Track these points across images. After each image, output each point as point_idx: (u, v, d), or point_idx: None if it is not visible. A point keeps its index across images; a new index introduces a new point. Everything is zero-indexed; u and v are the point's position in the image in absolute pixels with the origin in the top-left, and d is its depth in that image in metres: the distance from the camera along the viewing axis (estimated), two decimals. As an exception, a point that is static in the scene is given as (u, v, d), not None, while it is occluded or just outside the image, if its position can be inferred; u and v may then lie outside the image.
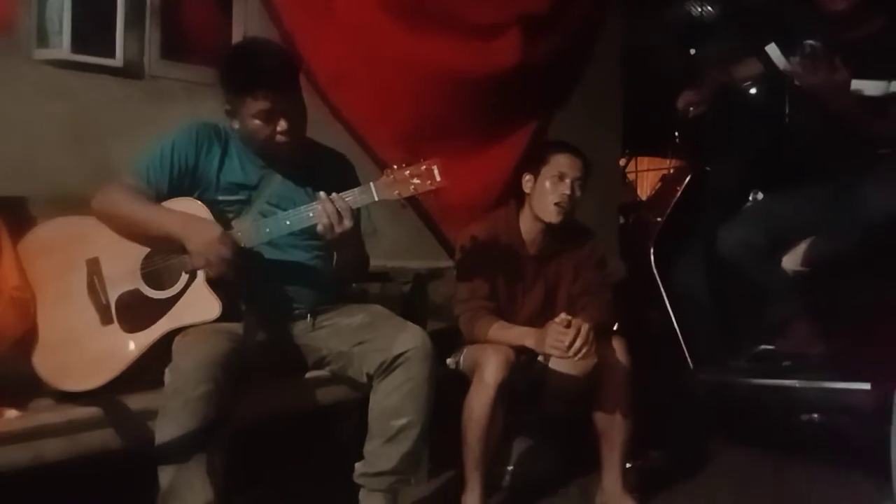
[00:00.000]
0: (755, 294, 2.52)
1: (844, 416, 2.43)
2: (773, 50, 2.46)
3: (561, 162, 2.04)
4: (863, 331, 2.34)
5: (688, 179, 2.85)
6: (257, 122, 1.70)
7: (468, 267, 2.07)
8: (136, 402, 1.56)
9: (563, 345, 1.81)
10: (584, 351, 1.81)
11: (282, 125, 1.71)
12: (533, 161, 2.10)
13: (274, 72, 1.71)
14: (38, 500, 1.61)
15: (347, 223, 1.64)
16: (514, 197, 2.16)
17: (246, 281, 1.69)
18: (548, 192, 2.04)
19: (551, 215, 2.04)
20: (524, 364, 1.99)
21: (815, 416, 2.47)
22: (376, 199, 1.67)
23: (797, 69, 2.24)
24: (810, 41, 2.16)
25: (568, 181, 2.03)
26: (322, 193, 1.65)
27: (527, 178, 2.10)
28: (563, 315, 1.86)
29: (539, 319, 1.92)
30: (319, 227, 1.64)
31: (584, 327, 1.82)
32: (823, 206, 2.39)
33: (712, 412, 2.69)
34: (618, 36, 3.51)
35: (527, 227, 2.11)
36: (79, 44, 2.08)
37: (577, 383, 1.95)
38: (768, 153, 2.80)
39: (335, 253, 1.80)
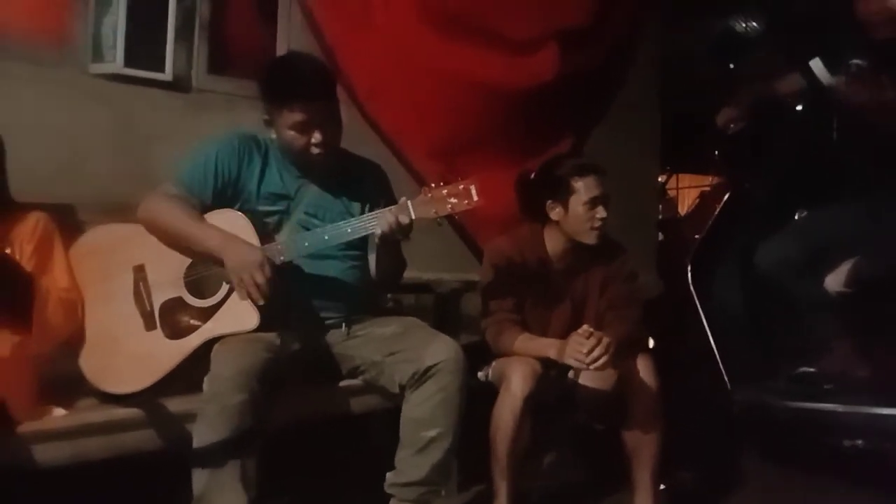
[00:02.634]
0: (796, 313, 2.46)
1: (890, 443, 2.35)
2: (816, 65, 2.42)
3: (590, 187, 2.03)
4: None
5: (727, 196, 2.81)
6: (292, 132, 1.74)
7: (494, 281, 2.08)
8: (175, 404, 1.61)
9: (581, 354, 1.81)
10: (600, 361, 1.80)
11: (316, 137, 1.75)
12: (557, 190, 2.06)
13: (310, 85, 1.75)
14: (78, 497, 1.66)
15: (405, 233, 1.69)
16: (535, 218, 2.14)
17: (283, 292, 1.73)
18: (584, 220, 2.03)
19: (592, 238, 2.05)
20: (554, 378, 1.99)
21: (859, 441, 2.39)
22: (413, 217, 1.67)
23: (842, 88, 2.20)
24: (856, 61, 2.11)
25: (601, 205, 2.03)
26: (385, 210, 1.69)
27: (555, 208, 2.06)
28: (585, 326, 1.87)
29: (568, 335, 1.92)
30: (379, 231, 1.67)
31: (605, 339, 1.82)
32: (867, 225, 2.33)
33: (749, 434, 2.63)
34: (657, 51, 3.49)
35: (553, 243, 2.11)
36: (131, 58, 2.17)
37: (604, 397, 1.94)
38: (810, 170, 2.74)
39: (377, 256, 1.83)
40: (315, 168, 1.82)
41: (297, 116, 1.72)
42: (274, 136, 1.80)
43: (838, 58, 2.27)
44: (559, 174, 2.07)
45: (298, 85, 1.74)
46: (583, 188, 2.03)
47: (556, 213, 2.07)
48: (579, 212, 2.04)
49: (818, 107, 2.58)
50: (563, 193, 2.05)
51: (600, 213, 2.03)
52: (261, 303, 1.63)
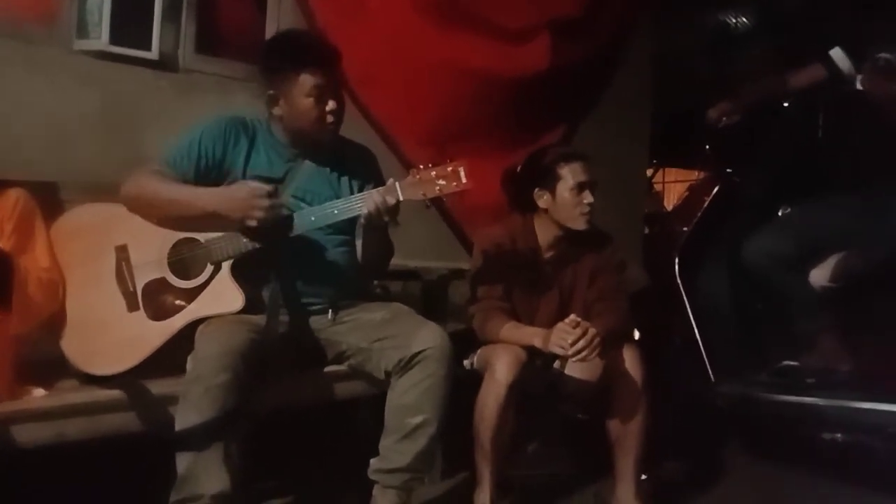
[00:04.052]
0: (781, 307, 2.48)
1: (870, 437, 2.38)
2: (837, 54, 2.40)
3: (576, 172, 2.05)
4: (892, 349, 2.29)
5: (716, 190, 2.82)
6: (310, 99, 1.74)
7: (483, 268, 2.08)
8: (157, 386, 1.58)
9: (565, 343, 1.81)
10: (585, 353, 1.81)
11: (331, 105, 1.76)
12: (544, 178, 2.08)
13: (324, 50, 1.79)
14: (58, 478, 1.64)
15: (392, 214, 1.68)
16: (524, 208, 2.14)
17: (270, 273, 1.71)
18: (572, 205, 2.05)
19: (581, 223, 2.07)
20: (540, 367, 1.99)
21: (839, 435, 2.42)
22: (401, 198, 1.67)
23: (865, 81, 2.20)
24: (884, 54, 2.11)
25: (588, 189, 2.05)
26: (372, 191, 1.69)
27: (542, 196, 2.08)
28: (572, 316, 1.87)
29: (555, 324, 1.92)
30: (365, 212, 1.67)
31: (591, 330, 1.82)
32: (855, 219, 2.35)
33: (732, 426, 2.65)
34: (648, 44, 3.49)
35: (543, 232, 2.12)
36: (117, 36, 2.13)
37: (589, 388, 1.95)
38: (800, 165, 2.76)
39: (364, 240, 1.82)
40: (319, 143, 1.81)
41: (315, 80, 1.73)
42: (278, 111, 1.78)
43: (861, 49, 2.27)
44: (545, 162, 2.09)
45: (313, 50, 1.78)
46: (569, 174, 2.05)
47: (543, 200, 2.08)
48: (567, 198, 2.05)
49: (840, 97, 2.53)
50: (549, 181, 2.07)
51: (587, 197, 2.04)
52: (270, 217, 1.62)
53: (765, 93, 2.60)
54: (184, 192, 1.68)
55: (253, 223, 1.63)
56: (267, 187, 1.65)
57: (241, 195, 1.64)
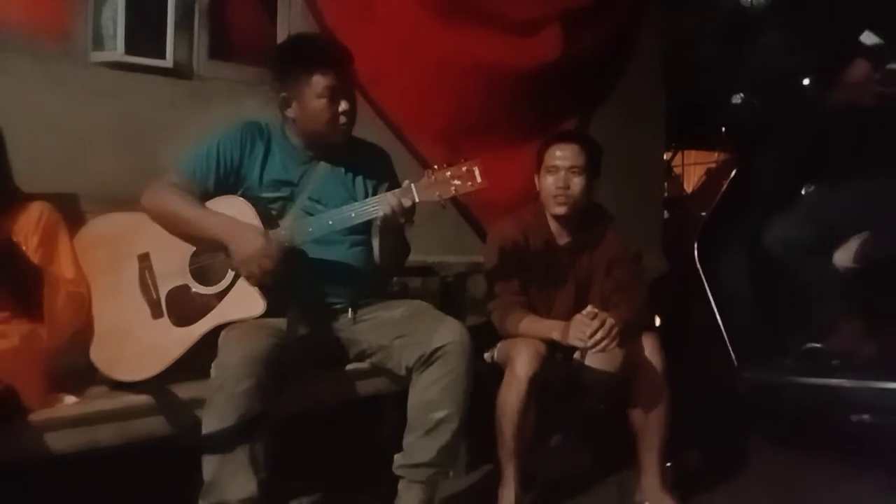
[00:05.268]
0: (803, 290, 2.46)
1: (896, 417, 2.35)
2: (868, 38, 2.35)
3: (554, 155, 2.06)
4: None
5: (734, 173, 2.79)
6: (323, 100, 1.75)
7: (498, 263, 2.08)
8: (184, 390, 1.62)
9: (584, 335, 1.81)
10: (604, 343, 1.80)
11: (343, 105, 1.77)
12: (537, 161, 2.11)
13: (335, 51, 1.81)
14: (89, 484, 1.68)
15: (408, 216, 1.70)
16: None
17: (289, 277, 1.73)
18: (545, 188, 2.07)
19: (554, 208, 2.06)
20: (560, 361, 1.99)
21: (865, 416, 2.39)
22: (417, 200, 1.68)
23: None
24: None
25: (562, 173, 2.03)
26: (388, 194, 1.70)
27: (536, 179, 2.12)
28: (589, 307, 1.86)
29: (572, 316, 1.92)
30: (381, 214, 1.68)
31: (609, 321, 1.81)
32: (877, 201, 2.32)
33: (756, 411, 2.63)
34: (661, 28, 3.45)
35: (552, 220, 2.12)
36: (132, 46, 2.17)
37: (610, 379, 1.95)
38: (818, 145, 2.71)
39: (380, 240, 1.83)
40: (333, 144, 1.83)
41: (328, 81, 1.74)
42: (291, 114, 1.80)
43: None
44: (542, 143, 2.11)
45: (325, 50, 1.80)
46: (548, 156, 2.06)
47: (537, 183, 2.11)
48: (546, 180, 2.06)
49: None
50: (539, 163, 2.09)
51: (558, 181, 2.03)
52: (269, 285, 1.64)
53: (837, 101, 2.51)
54: (197, 215, 1.70)
55: (255, 269, 1.64)
56: (278, 256, 1.65)
57: (257, 244, 1.64)
